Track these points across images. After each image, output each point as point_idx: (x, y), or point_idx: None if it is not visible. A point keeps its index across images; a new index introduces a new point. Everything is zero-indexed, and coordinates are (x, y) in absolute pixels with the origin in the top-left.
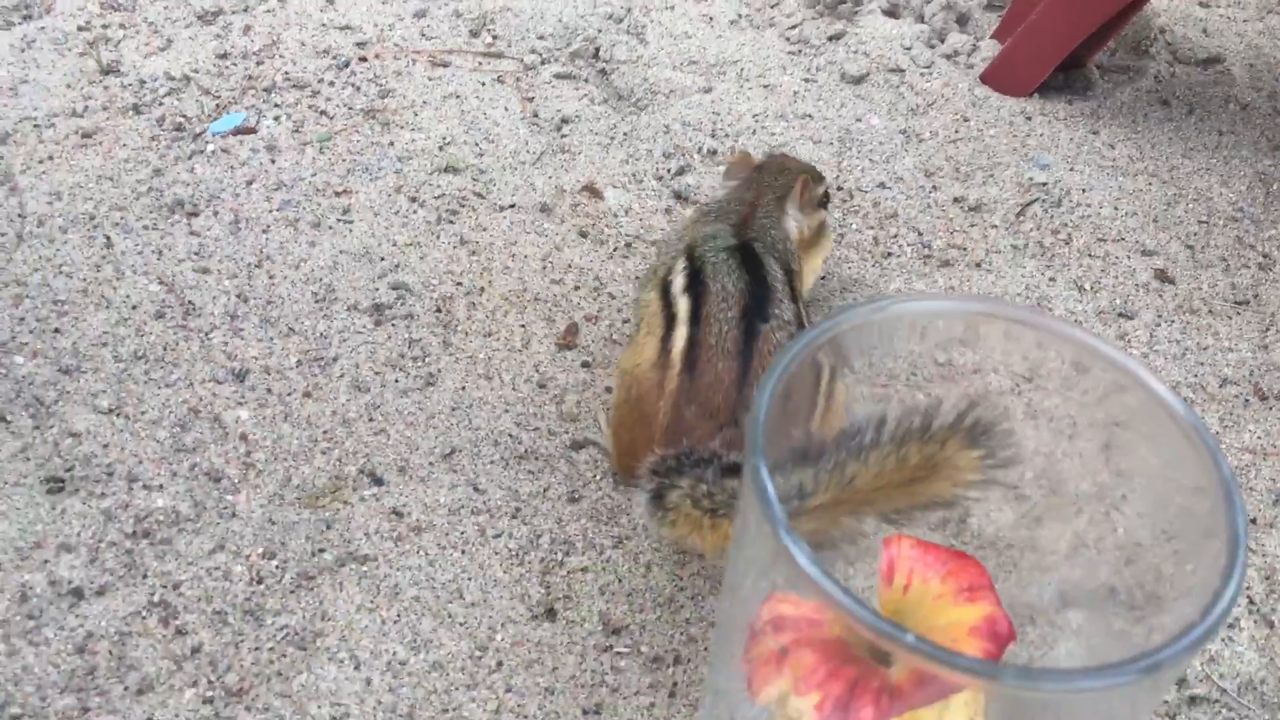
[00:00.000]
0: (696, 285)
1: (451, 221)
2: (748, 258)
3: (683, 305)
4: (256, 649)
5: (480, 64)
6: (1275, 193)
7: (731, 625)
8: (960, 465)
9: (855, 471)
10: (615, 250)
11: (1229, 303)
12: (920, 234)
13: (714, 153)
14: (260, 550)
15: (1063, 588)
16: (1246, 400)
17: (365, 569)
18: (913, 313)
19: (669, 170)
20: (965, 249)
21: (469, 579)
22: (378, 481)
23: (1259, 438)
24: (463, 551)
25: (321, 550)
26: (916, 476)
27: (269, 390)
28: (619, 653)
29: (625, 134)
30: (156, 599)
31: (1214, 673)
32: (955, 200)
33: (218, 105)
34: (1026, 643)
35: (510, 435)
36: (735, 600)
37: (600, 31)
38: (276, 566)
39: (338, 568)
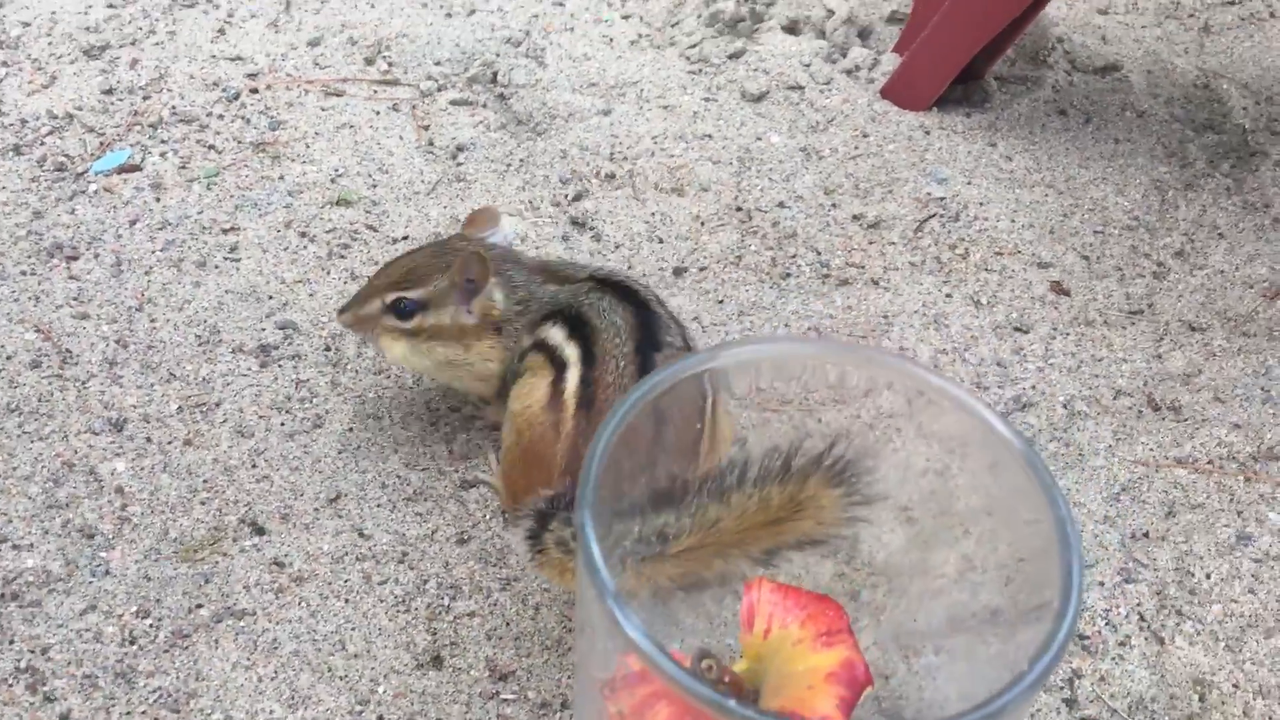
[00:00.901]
0: (582, 328)
1: (343, 256)
2: (621, 290)
3: (571, 350)
4: (128, 713)
5: (375, 92)
6: (1170, 200)
7: (584, 683)
8: (824, 504)
9: (718, 514)
10: None
11: (1124, 313)
12: (819, 253)
13: (612, 176)
14: (134, 609)
15: (951, 612)
16: (1140, 411)
17: (243, 624)
18: (739, 360)
19: (566, 196)
20: (864, 267)
21: (352, 629)
22: (259, 531)
23: (1151, 450)
24: (346, 600)
25: (199, 606)
26: (780, 517)
27: (148, 439)
28: (505, 699)
29: (522, 160)
30: (23, 665)
31: (1104, 693)
32: (854, 218)
33: (101, 143)
34: (913, 673)
35: (399, 476)
36: (583, 659)
37: (498, 56)
38: (150, 625)
39: (214, 624)
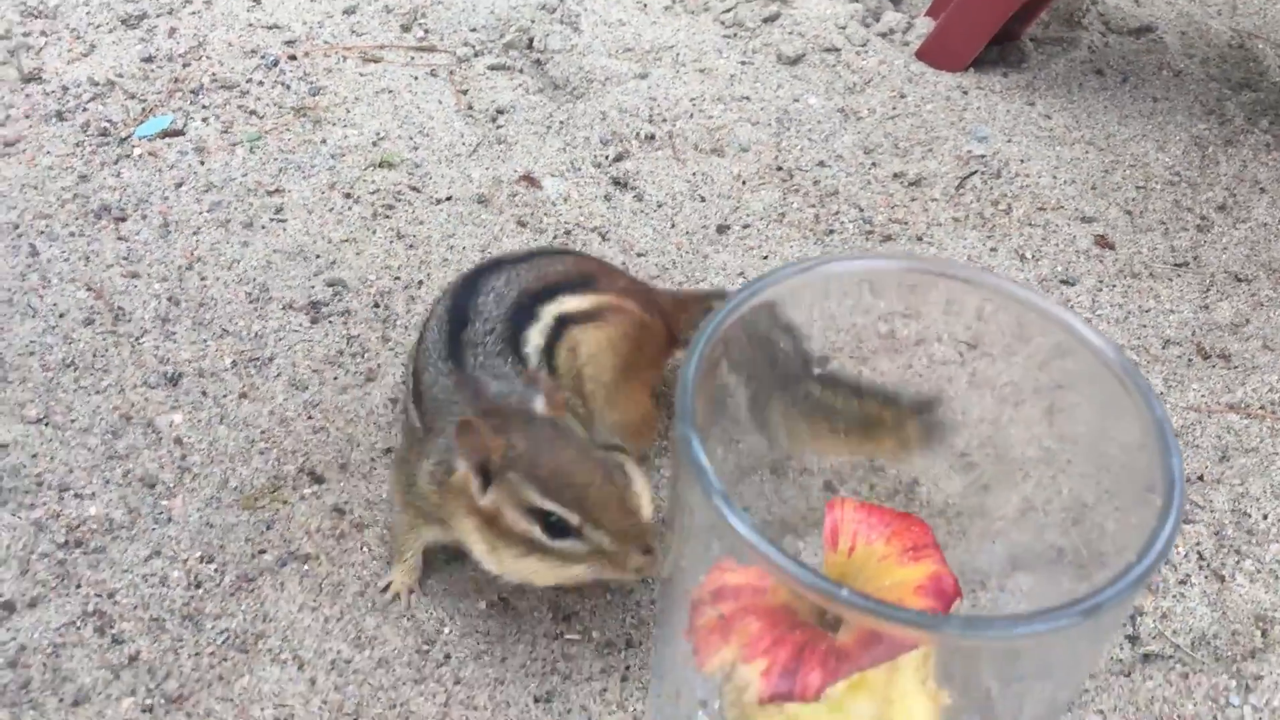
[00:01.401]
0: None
1: (387, 216)
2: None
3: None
4: (196, 654)
5: (412, 58)
6: (1211, 156)
7: (674, 597)
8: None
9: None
10: (555, 238)
11: (1169, 265)
12: (861, 210)
13: (651, 138)
14: (198, 554)
15: (1012, 551)
16: (1189, 360)
17: (307, 568)
18: (845, 272)
19: (607, 157)
20: (906, 223)
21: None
22: (318, 480)
23: (1202, 396)
24: None
25: (262, 551)
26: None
27: (203, 393)
28: (569, 639)
29: (561, 123)
30: (91, 609)
31: (1166, 629)
32: (895, 176)
33: (144, 109)
34: (979, 608)
35: None
36: (676, 571)
37: (534, 22)
38: (215, 570)
39: (278, 568)
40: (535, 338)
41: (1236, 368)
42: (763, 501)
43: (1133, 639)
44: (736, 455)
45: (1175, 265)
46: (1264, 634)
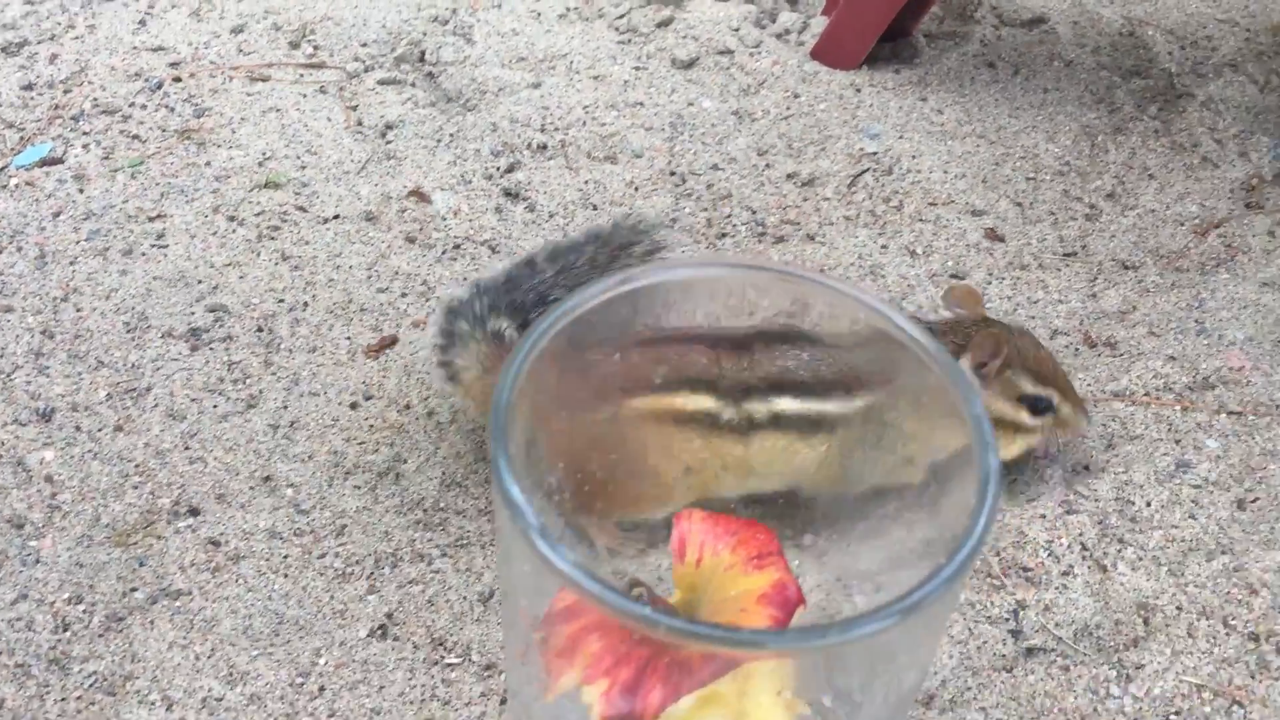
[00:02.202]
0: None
1: (272, 238)
2: None
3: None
4: (63, 699)
5: (301, 76)
6: (1100, 144)
7: (509, 619)
8: None
9: None
10: (444, 253)
11: (1058, 255)
12: (754, 212)
13: (544, 147)
14: (66, 596)
15: (891, 551)
16: (1076, 349)
17: (179, 604)
18: (662, 284)
19: (498, 168)
20: (799, 224)
21: (291, 604)
22: (194, 512)
23: (1089, 385)
24: (285, 576)
25: (133, 589)
26: None
27: (77, 428)
28: (449, 664)
29: (452, 135)
30: None
31: (1049, 622)
32: (788, 176)
33: (21, 138)
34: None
35: (335, 451)
36: (507, 593)
37: (426, 34)
38: (84, 611)
39: (149, 605)
40: None
41: (1122, 355)
42: None
43: (1015, 633)
44: None
45: (1064, 255)
46: (1146, 622)
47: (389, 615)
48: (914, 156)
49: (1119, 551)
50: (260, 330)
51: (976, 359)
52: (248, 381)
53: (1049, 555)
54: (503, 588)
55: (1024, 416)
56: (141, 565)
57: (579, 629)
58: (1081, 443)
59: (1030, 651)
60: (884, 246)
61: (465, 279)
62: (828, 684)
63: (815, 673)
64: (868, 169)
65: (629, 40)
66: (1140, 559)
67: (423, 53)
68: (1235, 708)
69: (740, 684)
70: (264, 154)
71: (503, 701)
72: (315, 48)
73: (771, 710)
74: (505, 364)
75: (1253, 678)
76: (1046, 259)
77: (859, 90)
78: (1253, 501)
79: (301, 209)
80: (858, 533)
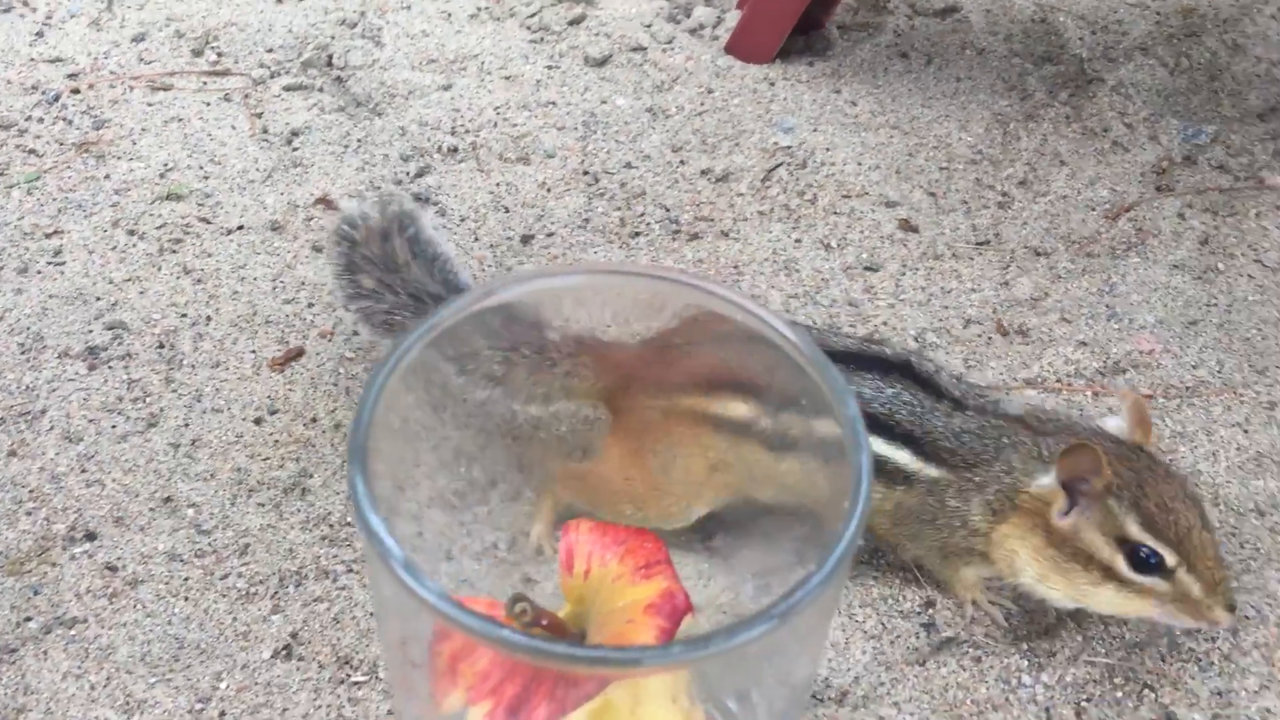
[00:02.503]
0: None
1: (174, 251)
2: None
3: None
4: None
5: (205, 84)
6: (1012, 132)
7: (389, 642)
8: None
9: None
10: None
11: (970, 244)
12: (668, 210)
13: (454, 150)
14: None
15: (798, 546)
16: (989, 338)
17: (74, 633)
18: (523, 294)
19: (408, 173)
20: (713, 220)
21: (192, 627)
22: (90, 537)
23: (1000, 374)
24: (185, 599)
25: (27, 619)
26: None
27: None
28: (356, 682)
29: (360, 140)
30: None
31: (962, 614)
32: (702, 172)
33: None
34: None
35: (239, 469)
36: (380, 614)
37: (334, 38)
38: None
39: (43, 635)
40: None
41: (1034, 342)
42: (508, 519)
43: (928, 626)
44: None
45: (977, 244)
46: (1057, 609)
47: (293, 635)
48: (828, 149)
49: None
50: (161, 347)
51: (1067, 470)
52: (148, 400)
53: None
54: (376, 611)
55: (1120, 564)
56: (36, 594)
57: (461, 648)
58: None
59: (942, 645)
60: (798, 240)
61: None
62: (728, 686)
63: (709, 678)
64: (781, 163)
65: (541, 39)
66: None
67: (330, 57)
68: (1146, 691)
69: (634, 693)
70: (166, 165)
71: None
72: (219, 55)
73: (668, 718)
74: (367, 383)
75: (1164, 660)
76: (960, 248)
77: (773, 84)
78: None
79: (204, 220)
80: (762, 530)
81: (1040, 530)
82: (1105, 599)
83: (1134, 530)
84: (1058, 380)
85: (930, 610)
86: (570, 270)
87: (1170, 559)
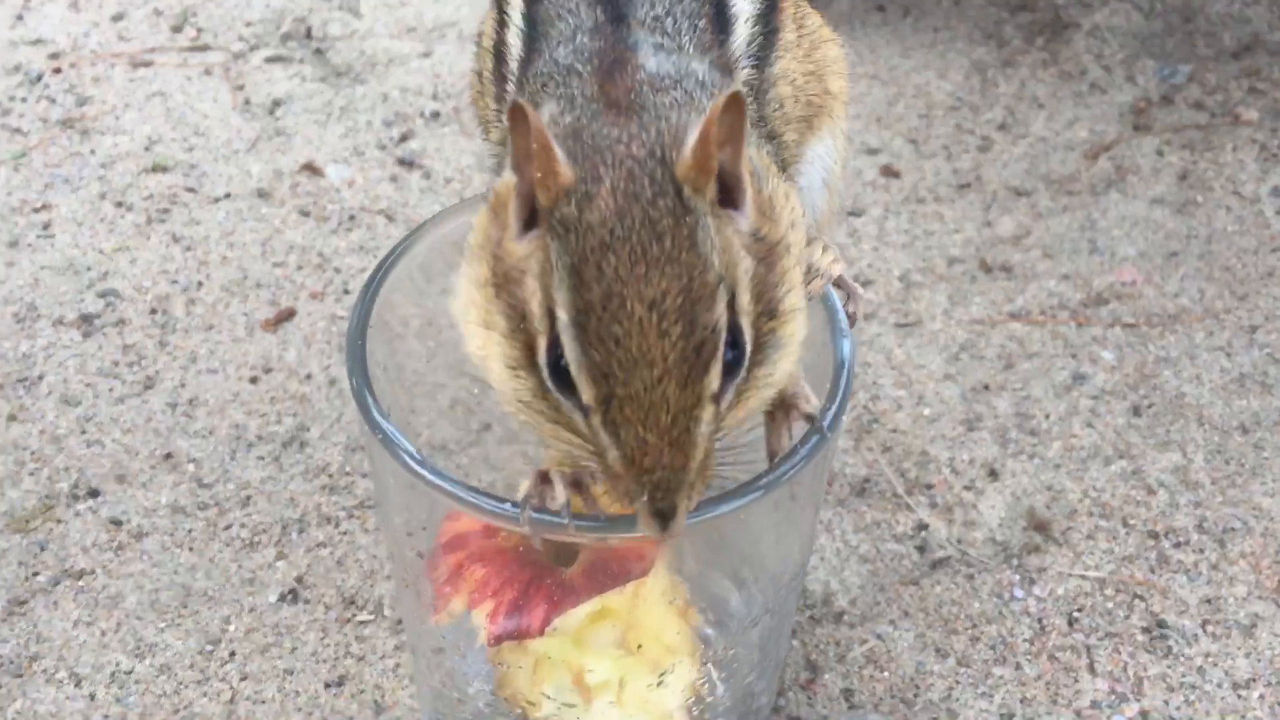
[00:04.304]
0: None
1: (163, 221)
2: None
3: None
4: None
5: (185, 59)
6: (990, 78)
7: (396, 549)
8: None
9: None
10: (339, 225)
11: (952, 187)
12: None
13: (437, 115)
14: None
15: None
16: (973, 276)
17: (82, 584)
18: None
19: (392, 138)
20: None
21: (198, 575)
22: (93, 494)
23: (985, 309)
24: (190, 549)
25: (35, 574)
26: None
27: None
28: (362, 621)
29: (342, 108)
30: None
31: (954, 535)
32: None
33: None
34: None
35: (237, 425)
36: (389, 527)
37: (311, 10)
38: None
39: (52, 587)
40: (747, 6)
41: (1017, 278)
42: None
43: (921, 549)
44: None
45: (958, 187)
46: (1048, 527)
47: (298, 579)
48: None
49: (1020, 465)
50: (154, 312)
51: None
52: (143, 363)
53: (951, 472)
54: (381, 519)
55: (542, 353)
56: (43, 550)
57: (464, 558)
58: (981, 363)
59: (936, 564)
60: None
61: (363, 249)
62: (724, 568)
63: (705, 561)
64: None
65: None
66: (1041, 469)
67: (309, 29)
68: (1137, 601)
69: (631, 598)
70: (150, 138)
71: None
72: (199, 30)
73: (665, 619)
74: (361, 291)
75: (1153, 572)
76: (942, 191)
77: None
78: (1148, 407)
79: (191, 190)
80: None
81: (491, 257)
82: (534, 418)
83: (563, 296)
84: (1041, 313)
85: (923, 533)
86: None
87: (586, 394)
